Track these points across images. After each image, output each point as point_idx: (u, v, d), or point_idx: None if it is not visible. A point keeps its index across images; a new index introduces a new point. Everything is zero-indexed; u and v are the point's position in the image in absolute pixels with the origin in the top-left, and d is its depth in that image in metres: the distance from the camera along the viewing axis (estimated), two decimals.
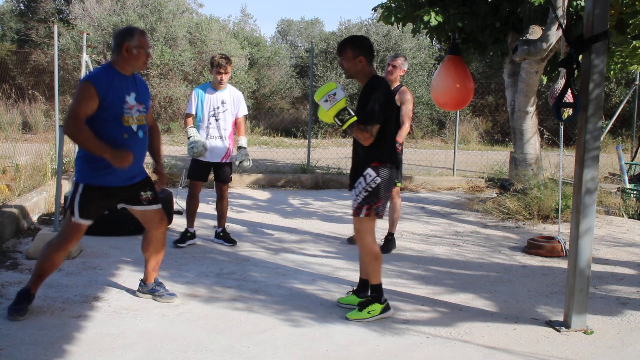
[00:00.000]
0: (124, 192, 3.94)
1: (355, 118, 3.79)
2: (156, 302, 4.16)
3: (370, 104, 3.81)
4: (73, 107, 3.68)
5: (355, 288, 4.29)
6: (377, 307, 3.95)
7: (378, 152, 3.87)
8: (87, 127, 3.65)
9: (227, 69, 5.66)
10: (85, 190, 3.83)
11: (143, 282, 4.30)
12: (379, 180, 3.85)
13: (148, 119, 4.06)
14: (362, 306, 3.97)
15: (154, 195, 4.07)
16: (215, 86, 5.74)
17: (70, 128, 3.66)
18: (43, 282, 4.49)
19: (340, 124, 3.81)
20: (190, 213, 5.78)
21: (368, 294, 4.15)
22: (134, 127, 3.85)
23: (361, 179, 3.89)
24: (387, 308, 4.00)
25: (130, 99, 3.83)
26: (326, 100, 3.76)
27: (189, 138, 5.62)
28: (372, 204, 3.86)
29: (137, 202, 4.00)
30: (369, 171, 3.86)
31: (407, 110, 5.70)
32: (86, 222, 3.87)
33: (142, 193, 4.00)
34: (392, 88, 5.72)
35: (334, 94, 3.75)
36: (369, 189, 3.85)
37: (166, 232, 4.21)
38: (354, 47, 3.90)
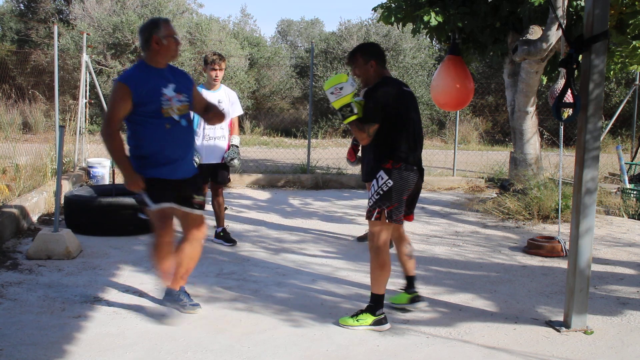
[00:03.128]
0: (179, 186, 3.86)
1: (356, 116, 3.77)
2: (156, 302, 4.15)
3: (368, 104, 3.80)
4: (108, 112, 3.71)
5: (405, 286, 4.25)
6: (368, 318, 3.83)
7: (388, 153, 3.81)
8: (120, 137, 3.69)
9: (222, 66, 5.63)
10: (145, 182, 3.76)
11: (168, 288, 4.12)
12: (391, 183, 3.78)
13: (198, 105, 4.02)
14: (356, 313, 3.88)
15: (204, 202, 4.08)
16: (209, 86, 5.70)
17: (104, 132, 3.70)
18: (44, 282, 4.51)
19: (342, 118, 3.82)
20: None
21: (415, 289, 4.16)
22: (176, 117, 3.78)
23: (374, 182, 3.85)
24: (380, 322, 3.81)
25: (168, 91, 3.76)
26: (332, 93, 3.75)
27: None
28: (383, 207, 3.80)
29: (189, 204, 3.92)
30: (381, 173, 3.82)
31: None
32: (165, 205, 3.78)
33: (196, 196, 3.96)
34: None
35: (341, 88, 3.73)
36: (381, 192, 3.80)
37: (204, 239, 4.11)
38: (363, 54, 3.91)
